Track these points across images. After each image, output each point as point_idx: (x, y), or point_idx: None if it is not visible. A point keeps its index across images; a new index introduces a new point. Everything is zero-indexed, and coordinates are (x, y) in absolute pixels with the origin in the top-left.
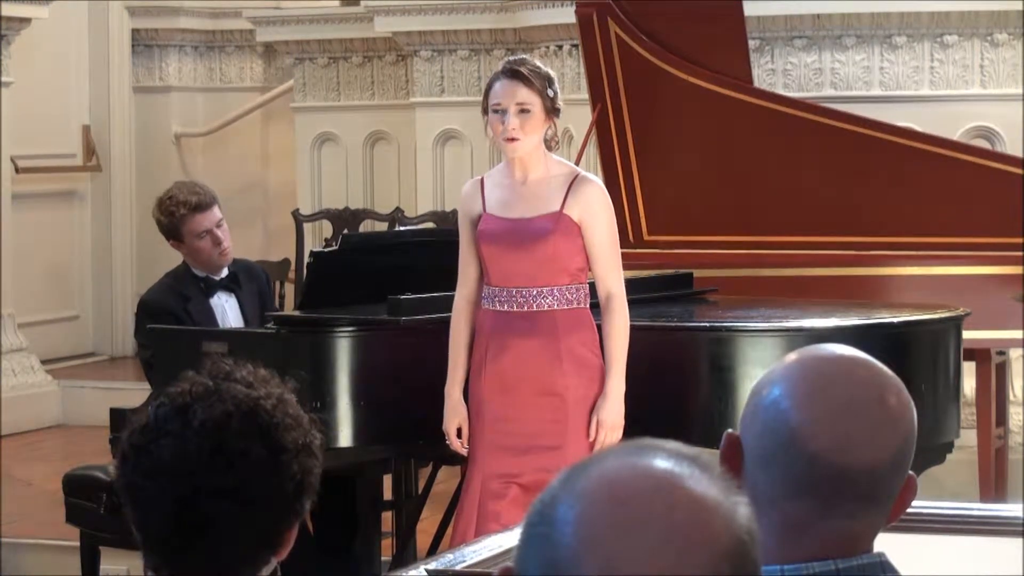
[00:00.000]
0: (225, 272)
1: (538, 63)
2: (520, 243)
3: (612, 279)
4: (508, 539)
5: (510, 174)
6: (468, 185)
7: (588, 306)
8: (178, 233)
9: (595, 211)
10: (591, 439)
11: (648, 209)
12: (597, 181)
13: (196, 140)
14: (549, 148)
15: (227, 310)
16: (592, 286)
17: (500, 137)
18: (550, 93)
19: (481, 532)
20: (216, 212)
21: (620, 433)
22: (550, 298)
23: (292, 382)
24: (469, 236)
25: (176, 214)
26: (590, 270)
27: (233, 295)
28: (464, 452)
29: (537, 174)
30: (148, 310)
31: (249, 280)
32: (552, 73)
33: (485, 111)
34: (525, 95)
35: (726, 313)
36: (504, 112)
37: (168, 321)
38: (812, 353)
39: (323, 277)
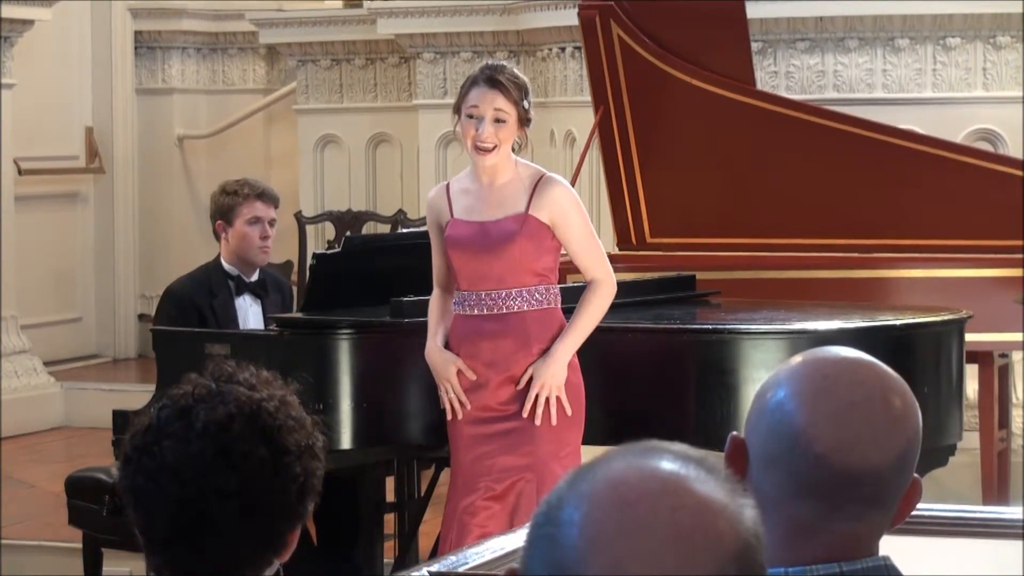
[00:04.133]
0: (256, 277)
1: (516, 71)
2: (486, 246)
3: (596, 268)
4: (511, 541)
5: (476, 178)
6: (434, 191)
7: (559, 307)
8: (231, 214)
9: (564, 210)
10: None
11: (651, 211)
12: (561, 180)
13: (199, 142)
14: (515, 151)
15: (250, 314)
16: (568, 291)
17: (471, 142)
18: (525, 104)
19: (464, 537)
20: (273, 211)
21: (554, 391)
22: (519, 299)
23: (294, 384)
24: (439, 241)
25: (240, 193)
26: (578, 270)
27: (259, 301)
28: (467, 404)
29: (503, 178)
30: (173, 299)
31: (275, 291)
32: (528, 83)
33: (456, 111)
34: (502, 104)
35: (729, 315)
36: (480, 119)
37: (191, 312)
38: (817, 355)
39: (325, 279)
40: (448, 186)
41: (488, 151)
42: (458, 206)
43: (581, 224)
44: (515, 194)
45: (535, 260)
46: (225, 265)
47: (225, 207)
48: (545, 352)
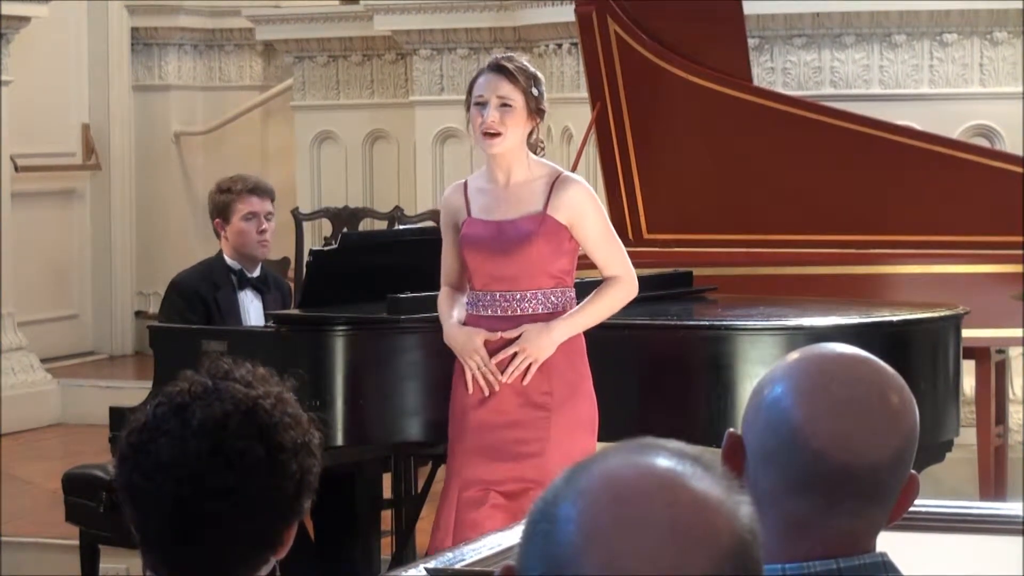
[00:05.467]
0: (258, 272)
1: (526, 62)
2: (503, 246)
3: (616, 266)
4: (508, 537)
5: (492, 178)
6: (451, 189)
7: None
8: (227, 211)
9: (582, 210)
10: (508, 356)
11: (648, 207)
12: (579, 179)
13: (196, 139)
14: (534, 152)
15: (251, 309)
16: (582, 285)
17: (479, 130)
18: (535, 92)
19: (459, 542)
20: (269, 204)
21: (529, 360)
22: (534, 301)
23: (291, 381)
24: (453, 241)
25: (233, 190)
26: (596, 266)
27: (260, 296)
28: (500, 377)
29: (519, 177)
30: (179, 290)
31: (276, 288)
32: (540, 75)
33: (468, 107)
34: (508, 90)
35: (726, 312)
36: (485, 105)
37: (196, 304)
38: (814, 351)
39: (322, 276)
40: (465, 184)
41: (494, 135)
42: (475, 205)
43: (599, 223)
44: (532, 194)
45: (551, 262)
46: (227, 260)
47: (221, 205)
48: (557, 365)
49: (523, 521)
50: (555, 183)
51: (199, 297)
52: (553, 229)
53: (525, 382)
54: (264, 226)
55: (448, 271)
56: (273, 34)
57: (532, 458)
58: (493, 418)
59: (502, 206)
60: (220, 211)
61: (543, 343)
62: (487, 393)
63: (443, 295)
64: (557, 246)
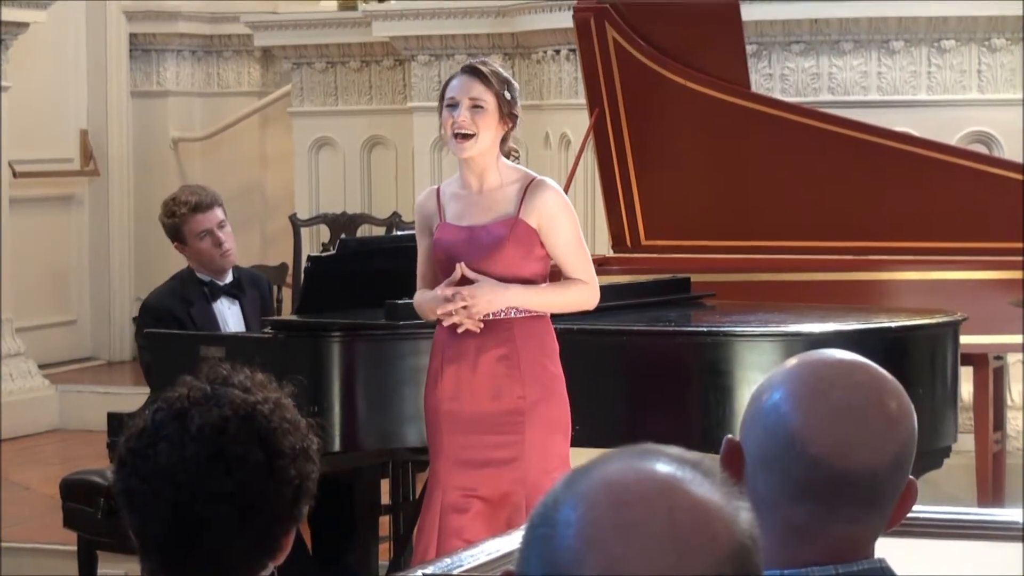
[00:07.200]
0: (229, 278)
1: (499, 67)
2: (475, 251)
3: (582, 272)
4: (506, 543)
5: (465, 184)
6: (423, 195)
7: (548, 315)
8: (180, 234)
9: (553, 215)
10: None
11: (646, 214)
12: (553, 184)
13: (194, 145)
14: (507, 159)
15: (228, 316)
16: None
17: (450, 131)
18: (507, 96)
19: (443, 548)
20: (217, 213)
21: (467, 308)
22: (506, 307)
23: (289, 387)
24: (427, 246)
25: (177, 214)
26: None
27: (236, 301)
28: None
29: (492, 182)
30: (151, 312)
31: (252, 287)
32: (513, 80)
33: (440, 111)
34: (480, 91)
35: (724, 318)
36: (456, 107)
37: (170, 324)
38: (812, 357)
39: (321, 281)
40: (438, 190)
41: (466, 138)
42: (449, 211)
43: (570, 229)
44: (506, 198)
45: (523, 267)
46: (197, 273)
47: (172, 229)
48: (531, 368)
49: (509, 530)
50: (528, 187)
51: (172, 317)
52: (524, 233)
53: (453, 322)
54: (220, 238)
55: (424, 276)
56: (271, 40)
57: (510, 463)
58: (467, 425)
59: (475, 211)
60: (174, 235)
61: (491, 297)
62: (459, 331)
63: (418, 294)
64: (528, 251)
